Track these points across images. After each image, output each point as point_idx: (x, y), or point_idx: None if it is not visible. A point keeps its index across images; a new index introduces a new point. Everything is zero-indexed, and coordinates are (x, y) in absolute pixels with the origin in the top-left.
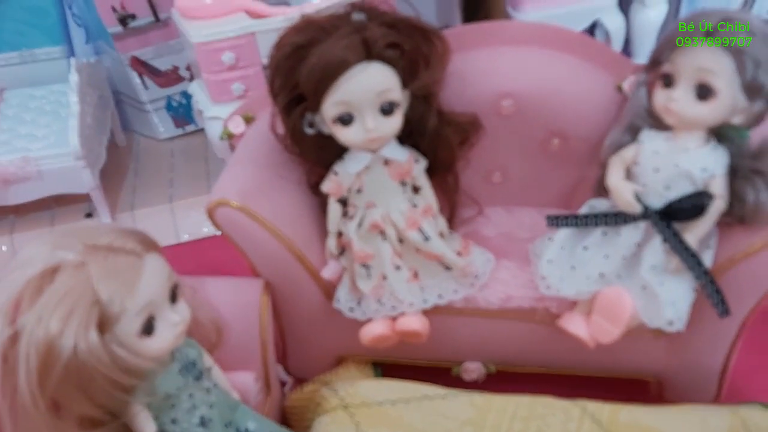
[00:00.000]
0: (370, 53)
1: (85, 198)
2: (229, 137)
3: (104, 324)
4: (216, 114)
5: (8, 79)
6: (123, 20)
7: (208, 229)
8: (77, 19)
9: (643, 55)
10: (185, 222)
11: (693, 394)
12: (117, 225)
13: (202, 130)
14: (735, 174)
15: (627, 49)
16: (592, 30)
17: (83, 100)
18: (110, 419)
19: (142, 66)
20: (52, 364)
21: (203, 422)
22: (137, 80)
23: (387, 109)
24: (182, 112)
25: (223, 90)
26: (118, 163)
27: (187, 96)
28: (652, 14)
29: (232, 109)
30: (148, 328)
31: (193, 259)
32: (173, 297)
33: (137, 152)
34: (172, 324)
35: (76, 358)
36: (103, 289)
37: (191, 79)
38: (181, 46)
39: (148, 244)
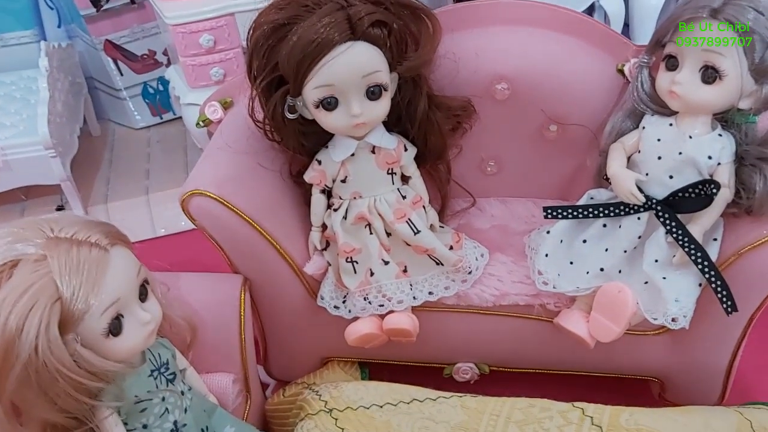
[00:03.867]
0: (355, 32)
1: (56, 190)
2: (206, 124)
3: (67, 322)
4: (194, 100)
5: None
6: (96, 2)
7: (186, 223)
8: (49, 1)
9: (643, 38)
10: (162, 215)
11: (697, 394)
12: (82, 216)
13: (180, 119)
14: (742, 162)
15: (626, 32)
16: (590, 12)
17: (53, 86)
18: (75, 425)
19: (116, 50)
20: (11, 365)
21: (176, 428)
22: (112, 66)
23: (374, 93)
24: (159, 100)
25: (201, 75)
26: (91, 153)
27: (164, 82)
28: None
29: (209, 95)
30: (115, 328)
31: (170, 255)
32: (143, 294)
33: (112, 142)
34: (142, 323)
35: (36, 358)
36: (66, 286)
37: (168, 64)
38: (157, 29)
39: (115, 236)
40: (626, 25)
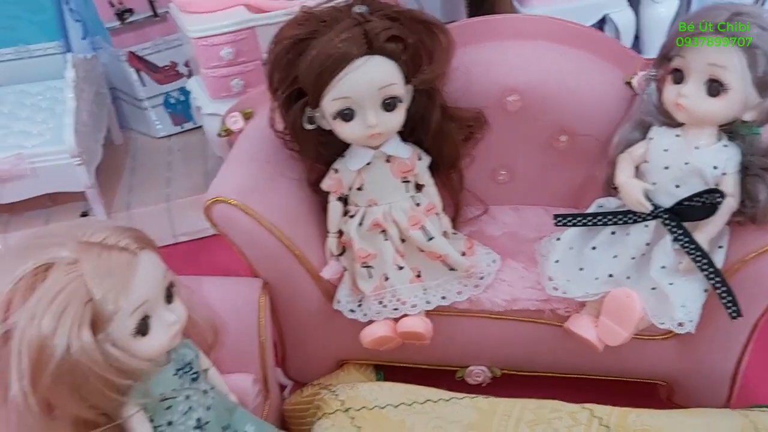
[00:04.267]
0: (371, 46)
1: (80, 197)
2: (227, 134)
3: (98, 323)
4: (214, 110)
5: (3, 75)
6: (120, 15)
7: (205, 230)
8: (74, 14)
9: (652, 51)
10: (182, 222)
11: (703, 397)
12: (111, 222)
13: (200, 128)
14: (747, 171)
15: (636, 45)
16: (601, 26)
17: (79, 96)
18: (105, 421)
19: (139, 62)
20: (45, 364)
21: (200, 425)
22: (134, 76)
23: (389, 105)
24: (180, 110)
25: (222, 86)
26: (114, 161)
27: (185, 93)
28: (662, 10)
29: (230, 106)
30: (142, 328)
31: (190, 260)
32: (169, 296)
33: (134, 150)
34: (168, 324)
35: (69, 357)
36: (97, 288)
37: (190, 75)
38: (179, 42)
39: (143, 241)
40: (637, 38)
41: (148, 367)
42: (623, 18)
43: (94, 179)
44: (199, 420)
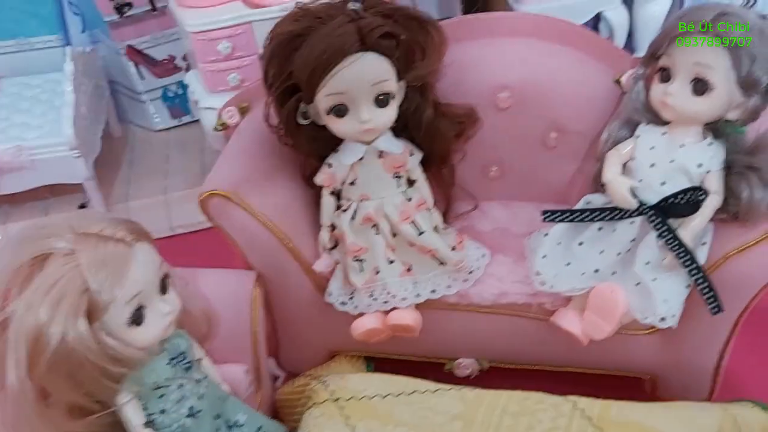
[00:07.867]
0: (365, 43)
1: (79, 189)
2: (224, 128)
3: (93, 313)
4: (212, 104)
5: (4, 67)
6: (119, 8)
7: (202, 222)
8: (74, 7)
9: (646, 49)
10: (179, 214)
11: (687, 391)
12: (108, 213)
13: (198, 122)
14: (730, 170)
15: (630, 43)
16: (595, 24)
17: (78, 89)
18: (99, 408)
19: (138, 55)
20: (41, 352)
21: (192, 413)
22: (133, 70)
23: (382, 100)
24: (178, 103)
25: (219, 80)
26: (113, 153)
27: (183, 86)
28: (655, 8)
29: (227, 100)
30: (137, 318)
31: (186, 252)
32: (163, 287)
33: (132, 143)
34: (162, 314)
35: (65, 346)
36: (93, 278)
37: (188, 68)
38: (177, 36)
39: (139, 233)
40: (630, 36)
41: (142, 356)
42: (617, 16)
43: (93, 171)
44: (191, 408)
